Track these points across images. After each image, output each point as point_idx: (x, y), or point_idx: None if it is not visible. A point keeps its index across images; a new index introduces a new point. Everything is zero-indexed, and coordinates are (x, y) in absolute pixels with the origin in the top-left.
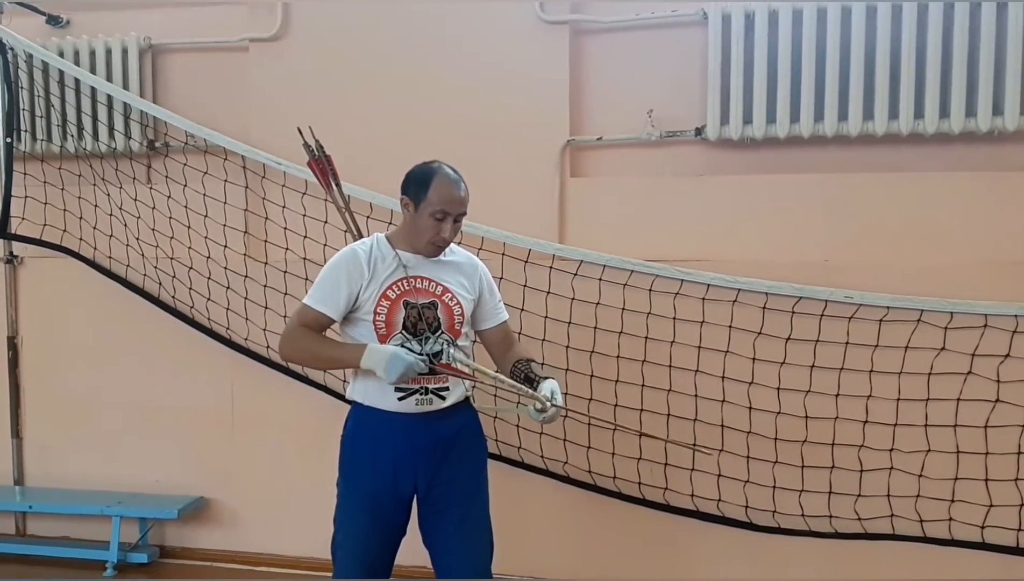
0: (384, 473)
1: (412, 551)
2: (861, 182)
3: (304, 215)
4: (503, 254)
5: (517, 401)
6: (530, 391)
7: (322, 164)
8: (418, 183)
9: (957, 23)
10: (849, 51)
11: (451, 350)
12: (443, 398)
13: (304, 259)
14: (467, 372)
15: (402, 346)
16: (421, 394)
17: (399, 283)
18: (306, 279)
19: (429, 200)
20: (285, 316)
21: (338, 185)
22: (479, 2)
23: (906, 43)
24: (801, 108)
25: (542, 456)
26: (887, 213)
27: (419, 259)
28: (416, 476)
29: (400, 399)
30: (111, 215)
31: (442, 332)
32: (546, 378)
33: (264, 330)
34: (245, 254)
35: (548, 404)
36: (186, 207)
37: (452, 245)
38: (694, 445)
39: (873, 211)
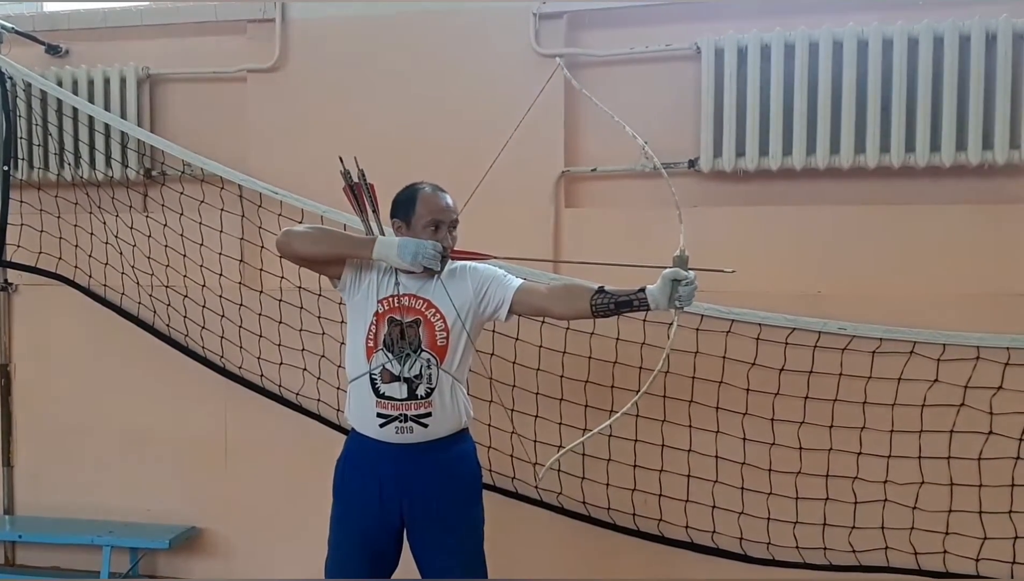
0: (371, 502)
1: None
2: (853, 214)
3: None
4: None
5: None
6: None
7: (359, 190)
8: (405, 204)
9: (947, 58)
10: (841, 85)
11: None
12: (425, 425)
13: (299, 288)
14: None
15: (383, 367)
16: (400, 421)
17: (389, 299)
18: (301, 308)
19: (419, 214)
20: (279, 344)
21: (376, 212)
22: (475, 35)
23: (897, 77)
24: (793, 141)
25: (536, 487)
26: (879, 245)
27: (412, 277)
28: (402, 507)
29: (381, 426)
30: (107, 243)
31: (423, 350)
32: (640, 290)
33: (258, 358)
34: (240, 282)
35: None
36: (182, 235)
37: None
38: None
39: (866, 243)
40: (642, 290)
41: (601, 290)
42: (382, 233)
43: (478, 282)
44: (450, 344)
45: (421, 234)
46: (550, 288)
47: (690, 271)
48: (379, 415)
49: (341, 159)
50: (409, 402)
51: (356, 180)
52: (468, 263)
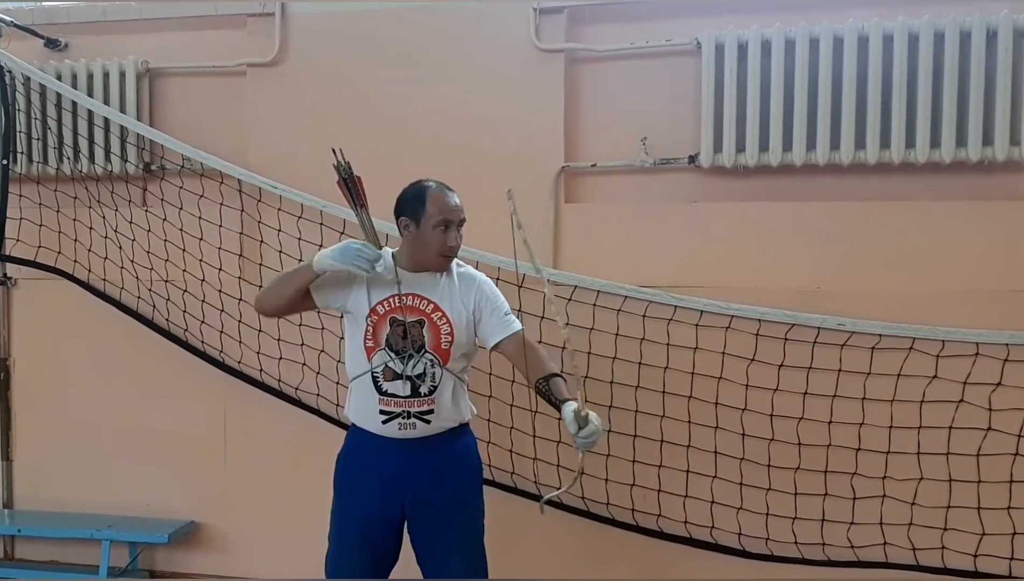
0: (371, 495)
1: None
2: (853, 210)
3: (299, 239)
4: (497, 279)
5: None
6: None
7: (348, 184)
8: (414, 201)
9: (947, 54)
10: (841, 81)
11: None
12: (427, 421)
13: None
14: None
15: (385, 365)
16: (403, 418)
17: (390, 300)
18: None
19: (429, 213)
20: (279, 340)
21: (364, 206)
22: (475, 30)
23: (897, 73)
24: (793, 136)
25: (535, 482)
26: (879, 241)
27: (417, 277)
28: (403, 500)
29: (384, 423)
30: (106, 237)
31: (426, 351)
32: (565, 401)
33: (258, 353)
34: (240, 277)
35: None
36: (181, 230)
37: (456, 260)
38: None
39: (865, 239)
40: (564, 403)
41: (548, 378)
42: (371, 226)
43: (482, 301)
44: (454, 347)
45: (430, 234)
46: (528, 349)
47: (586, 430)
48: (382, 412)
49: (334, 151)
50: (412, 399)
51: (345, 175)
52: (483, 278)
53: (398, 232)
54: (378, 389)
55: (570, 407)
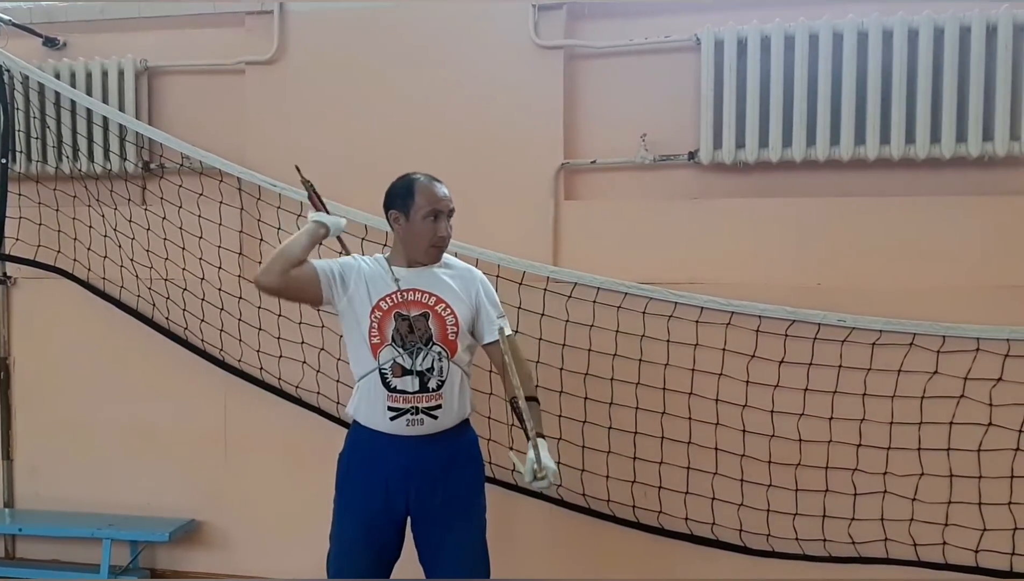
0: (376, 493)
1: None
2: (853, 206)
3: None
4: (497, 276)
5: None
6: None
7: (316, 196)
8: (402, 194)
9: (947, 49)
10: (841, 76)
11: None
12: (435, 417)
13: None
14: None
15: (393, 361)
16: (412, 414)
17: (391, 296)
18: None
19: (418, 205)
20: (279, 338)
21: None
22: (474, 27)
23: (897, 69)
24: (793, 133)
25: (536, 478)
26: (879, 237)
27: (413, 273)
28: (408, 497)
29: (392, 419)
30: (105, 236)
31: (434, 344)
32: (537, 436)
33: (258, 351)
34: (239, 275)
35: (537, 477)
36: (181, 228)
37: (451, 257)
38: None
39: (866, 235)
40: (537, 435)
41: (518, 398)
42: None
43: (480, 298)
44: (460, 337)
45: (420, 225)
46: (512, 359)
47: (538, 483)
48: (390, 408)
49: (298, 169)
50: (420, 395)
51: (305, 188)
52: (480, 275)
53: (389, 227)
54: (387, 386)
55: (531, 457)
